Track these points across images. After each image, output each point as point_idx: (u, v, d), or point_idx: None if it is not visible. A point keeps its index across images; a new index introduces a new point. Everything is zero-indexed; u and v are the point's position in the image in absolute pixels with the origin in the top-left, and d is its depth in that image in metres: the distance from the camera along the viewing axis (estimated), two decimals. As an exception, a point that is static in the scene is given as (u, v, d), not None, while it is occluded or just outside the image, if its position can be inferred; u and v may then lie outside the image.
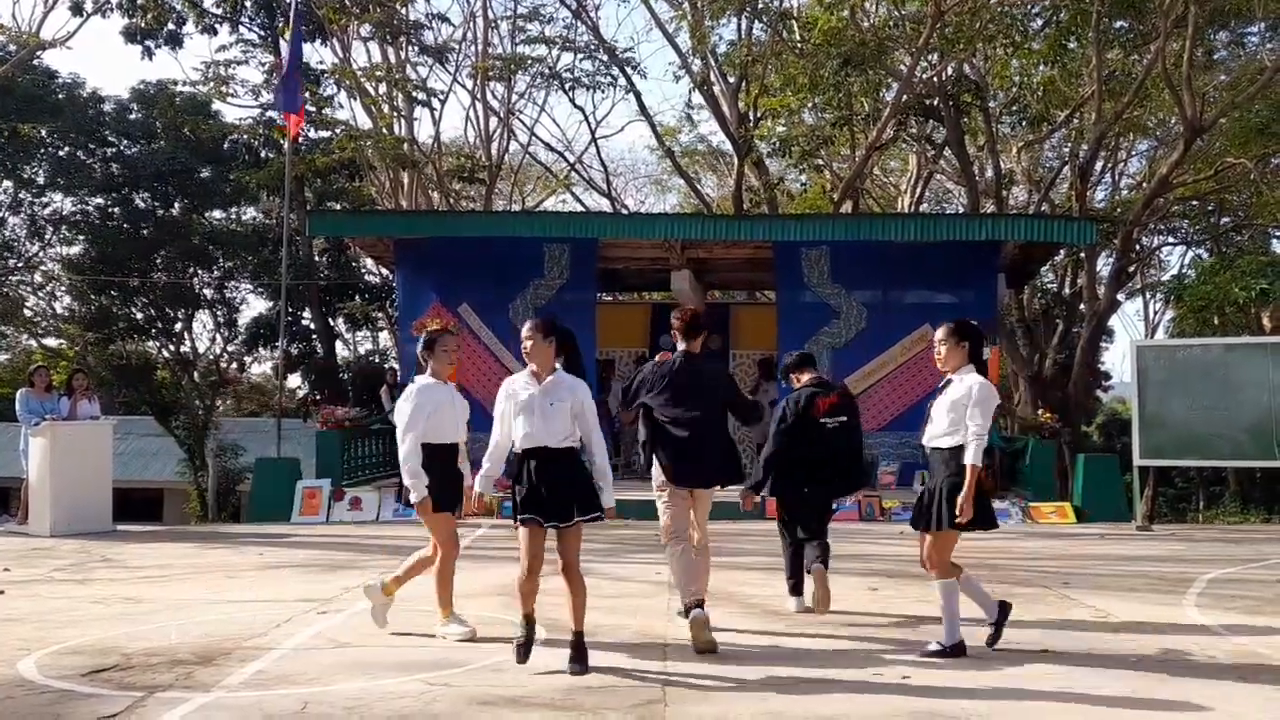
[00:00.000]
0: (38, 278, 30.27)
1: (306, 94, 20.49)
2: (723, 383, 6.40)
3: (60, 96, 26.36)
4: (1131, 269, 25.29)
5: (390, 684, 4.94)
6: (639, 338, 17.32)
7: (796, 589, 6.73)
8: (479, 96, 23.76)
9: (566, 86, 23.87)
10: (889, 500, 12.59)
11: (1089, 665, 5.37)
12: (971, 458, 5.41)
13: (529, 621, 5.29)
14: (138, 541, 10.53)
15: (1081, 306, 22.87)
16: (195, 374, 29.96)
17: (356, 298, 27.44)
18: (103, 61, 68.05)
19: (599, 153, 27.81)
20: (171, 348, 29.33)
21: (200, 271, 27.96)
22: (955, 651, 5.48)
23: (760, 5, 19.83)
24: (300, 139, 22.83)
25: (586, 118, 30.21)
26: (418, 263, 15.22)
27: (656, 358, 6.32)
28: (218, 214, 28.83)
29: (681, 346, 6.21)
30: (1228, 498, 26.06)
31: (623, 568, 8.58)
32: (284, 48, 14.59)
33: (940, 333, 5.69)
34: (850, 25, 17.32)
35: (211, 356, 30.58)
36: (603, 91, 23.87)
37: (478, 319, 14.93)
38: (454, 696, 4.75)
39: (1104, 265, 23.75)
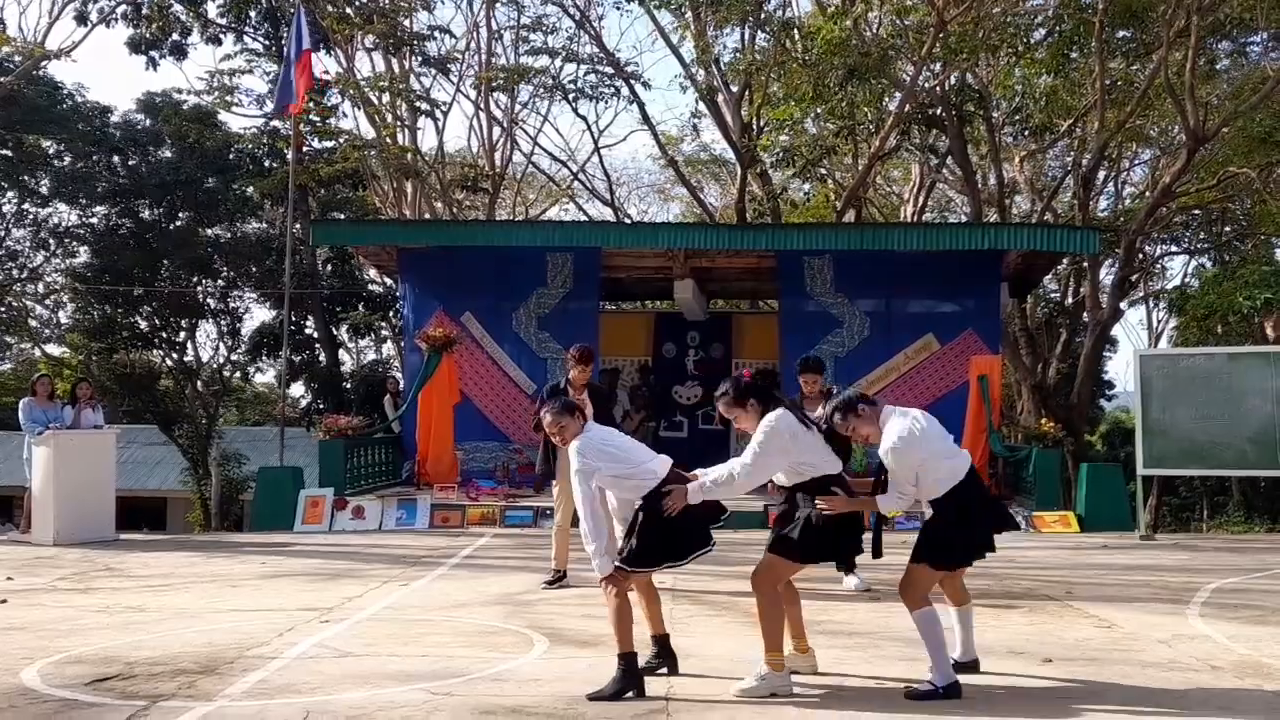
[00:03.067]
0: (41, 288, 30.34)
1: (311, 103, 20.54)
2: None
3: (65, 107, 26.40)
4: (1135, 278, 25.27)
5: (392, 694, 4.93)
6: (642, 346, 17.34)
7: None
8: (482, 107, 23.81)
9: (569, 97, 23.93)
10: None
11: (1092, 675, 5.35)
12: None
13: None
14: (140, 550, 10.52)
15: (1084, 315, 22.79)
16: (199, 383, 30.01)
17: (360, 307, 27.48)
18: (107, 72, 68.36)
19: (602, 162, 27.90)
20: (175, 357, 29.36)
21: (204, 281, 28.01)
22: (950, 692, 4.88)
23: (763, 15, 19.87)
24: (305, 148, 22.91)
25: (589, 127, 30.23)
26: (421, 272, 15.23)
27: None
28: (222, 224, 28.86)
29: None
30: (1231, 507, 26.05)
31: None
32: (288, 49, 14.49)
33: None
34: (853, 35, 17.33)
35: (215, 366, 30.62)
36: (605, 102, 23.95)
37: (481, 328, 14.92)
38: (456, 706, 4.75)
39: (1107, 274, 23.70)
